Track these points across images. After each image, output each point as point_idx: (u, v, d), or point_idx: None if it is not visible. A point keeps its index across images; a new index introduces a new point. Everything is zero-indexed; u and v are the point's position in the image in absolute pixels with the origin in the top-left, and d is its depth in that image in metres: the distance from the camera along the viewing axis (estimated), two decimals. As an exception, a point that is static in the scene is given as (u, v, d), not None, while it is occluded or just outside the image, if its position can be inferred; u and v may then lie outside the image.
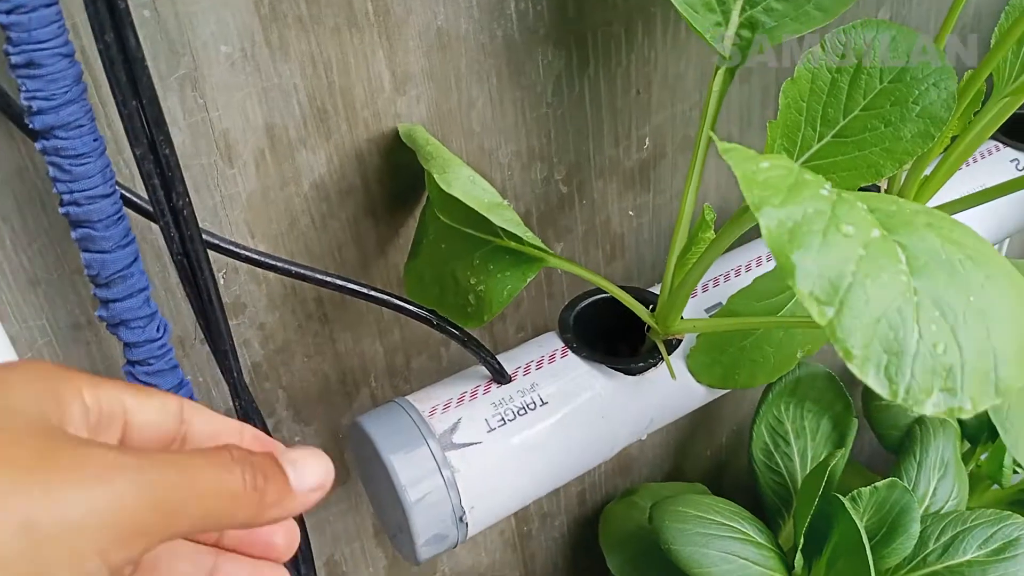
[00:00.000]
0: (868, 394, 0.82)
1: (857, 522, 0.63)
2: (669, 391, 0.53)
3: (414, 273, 0.50)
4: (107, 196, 0.35)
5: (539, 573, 0.78)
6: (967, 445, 0.84)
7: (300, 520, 0.50)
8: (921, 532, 0.69)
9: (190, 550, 0.30)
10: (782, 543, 0.72)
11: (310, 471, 0.28)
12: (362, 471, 0.51)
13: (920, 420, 0.78)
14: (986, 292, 0.30)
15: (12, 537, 0.22)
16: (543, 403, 0.49)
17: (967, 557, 0.69)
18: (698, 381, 0.53)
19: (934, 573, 0.70)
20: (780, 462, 0.76)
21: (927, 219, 0.33)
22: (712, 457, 0.87)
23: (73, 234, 0.36)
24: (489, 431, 0.47)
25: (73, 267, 0.45)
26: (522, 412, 0.48)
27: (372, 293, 0.45)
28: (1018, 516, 0.70)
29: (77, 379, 0.27)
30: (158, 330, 0.41)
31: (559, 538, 0.78)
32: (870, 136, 0.50)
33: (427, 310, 0.46)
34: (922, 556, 0.70)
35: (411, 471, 0.45)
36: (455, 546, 0.48)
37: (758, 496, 0.77)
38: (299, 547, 0.52)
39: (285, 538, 0.31)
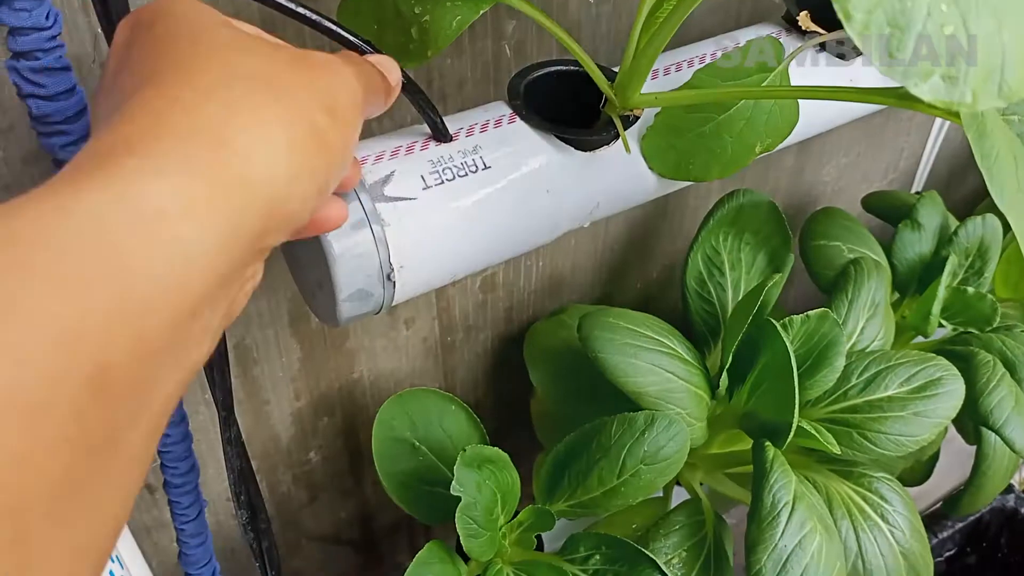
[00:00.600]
0: (807, 232, 0.81)
1: (787, 345, 0.62)
2: (620, 174, 0.49)
3: (349, 9, 0.44)
4: None
5: (459, 387, 0.76)
6: (896, 295, 0.84)
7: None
8: (845, 367, 0.69)
9: None
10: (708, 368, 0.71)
11: (394, 69, 0.36)
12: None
13: (855, 261, 0.77)
14: (1005, -1, 0.26)
15: (324, 117, 0.27)
16: (485, 167, 0.45)
17: (888, 393, 0.69)
18: (651, 168, 0.50)
19: (854, 406, 0.70)
20: (713, 291, 0.75)
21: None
22: (642, 290, 0.85)
23: None
24: (425, 188, 0.43)
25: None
26: (462, 173, 0.44)
27: (299, 10, 0.39)
28: (942, 359, 0.71)
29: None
30: (47, 18, 0.35)
31: (482, 353, 0.76)
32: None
33: (363, 39, 0.40)
34: (843, 390, 0.70)
35: (335, 220, 0.41)
36: (379, 310, 0.44)
37: (687, 326, 0.76)
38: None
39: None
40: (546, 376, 0.72)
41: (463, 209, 0.44)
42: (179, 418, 0.50)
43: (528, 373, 0.73)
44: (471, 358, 0.76)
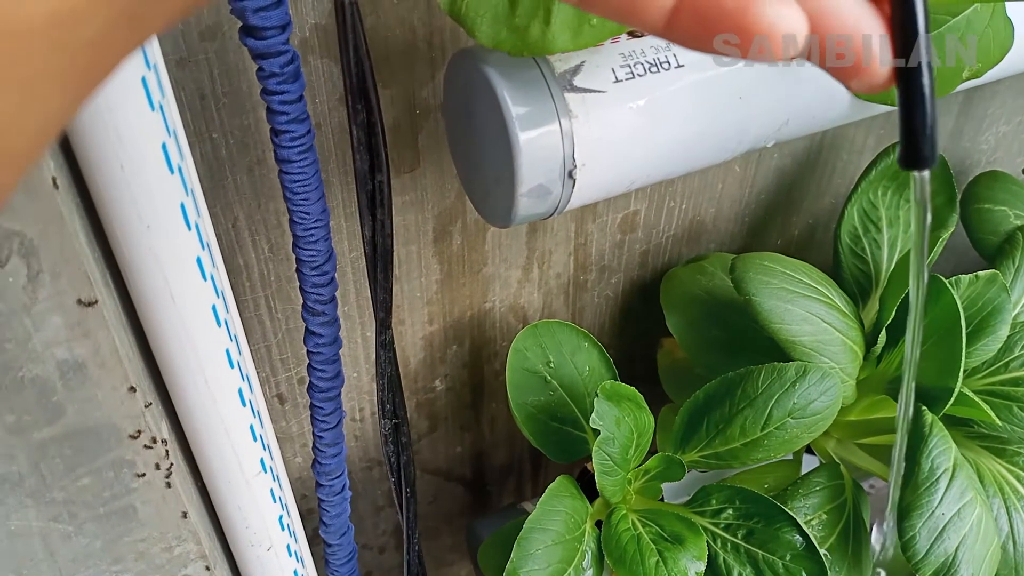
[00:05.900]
0: (969, 195, 0.76)
1: (957, 302, 0.58)
2: (815, 89, 0.46)
3: None
4: None
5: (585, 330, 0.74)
6: (1060, 270, 0.78)
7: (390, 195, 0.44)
8: (1008, 337, 0.64)
9: None
10: (860, 325, 0.67)
11: None
12: (453, 122, 0.45)
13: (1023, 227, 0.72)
14: None
15: None
16: (678, 65, 0.42)
17: (1054, 367, 0.64)
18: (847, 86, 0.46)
19: (1016, 379, 0.65)
20: (867, 248, 0.70)
21: None
22: (781, 247, 0.81)
23: None
24: (615, 82, 0.40)
25: None
26: (654, 69, 0.41)
27: None
28: (1116, 335, 0.65)
29: None
30: None
31: (612, 297, 0.73)
32: None
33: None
34: (1005, 361, 0.66)
35: (525, 106, 0.38)
36: (552, 212, 0.42)
37: (836, 284, 0.72)
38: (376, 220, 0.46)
39: None
40: (683, 322, 0.69)
41: (651, 107, 0.41)
42: (331, 319, 0.49)
43: (655, 324, 0.70)
44: (600, 301, 0.73)
